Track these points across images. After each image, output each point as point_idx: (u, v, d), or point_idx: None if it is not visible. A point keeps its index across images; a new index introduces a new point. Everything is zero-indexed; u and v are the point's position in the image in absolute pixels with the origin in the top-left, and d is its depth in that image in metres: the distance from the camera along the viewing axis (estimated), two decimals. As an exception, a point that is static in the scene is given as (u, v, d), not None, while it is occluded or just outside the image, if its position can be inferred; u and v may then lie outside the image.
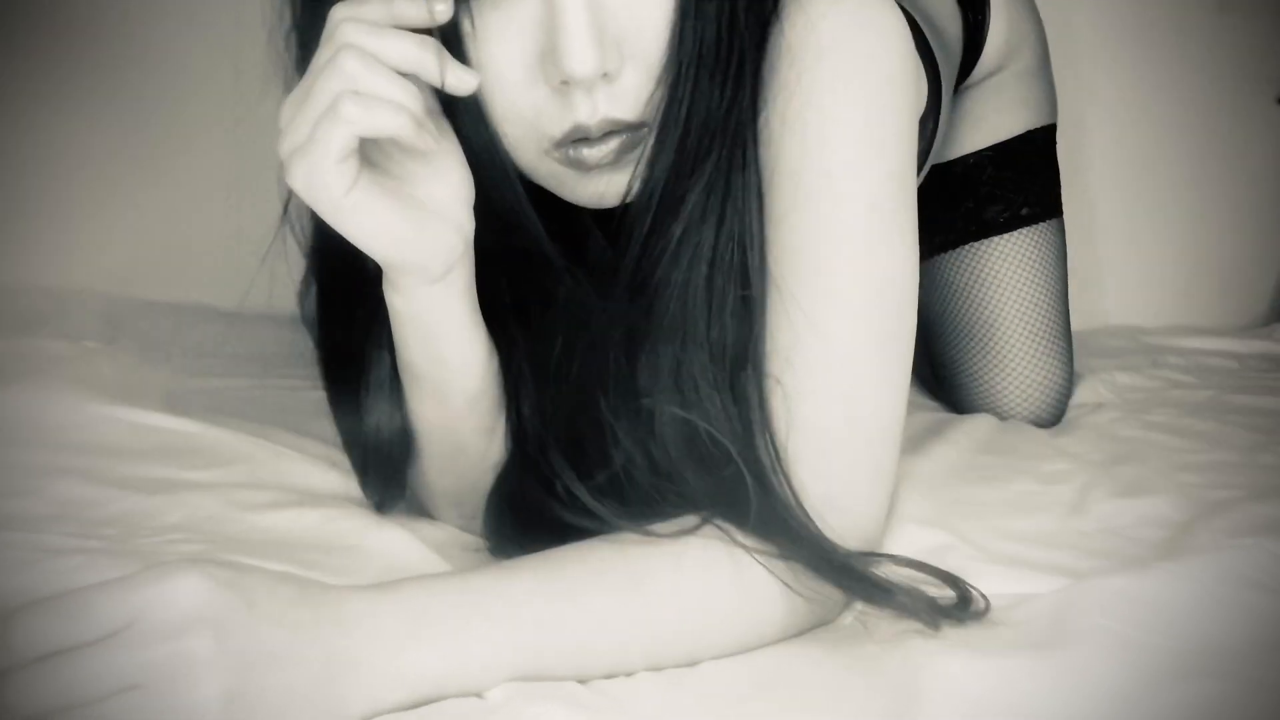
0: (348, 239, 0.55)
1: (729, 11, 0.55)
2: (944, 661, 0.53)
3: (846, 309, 0.57)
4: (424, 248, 0.56)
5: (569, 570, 0.52)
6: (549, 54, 0.53)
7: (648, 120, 0.56)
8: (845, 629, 0.61)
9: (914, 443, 0.97)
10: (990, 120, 1.10)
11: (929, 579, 0.59)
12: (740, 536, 0.54)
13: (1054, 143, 1.14)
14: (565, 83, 0.53)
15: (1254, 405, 1.14)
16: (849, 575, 0.55)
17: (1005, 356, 1.09)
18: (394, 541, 0.68)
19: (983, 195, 1.09)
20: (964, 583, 0.58)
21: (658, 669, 0.53)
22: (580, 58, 0.51)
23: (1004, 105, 1.10)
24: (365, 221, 0.54)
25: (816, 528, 0.55)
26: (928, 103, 0.87)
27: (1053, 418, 1.11)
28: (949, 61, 0.97)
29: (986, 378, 1.11)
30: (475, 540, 0.70)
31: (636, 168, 0.56)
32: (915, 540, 0.71)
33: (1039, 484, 0.86)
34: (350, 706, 0.45)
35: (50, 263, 1.29)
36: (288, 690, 0.43)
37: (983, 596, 0.58)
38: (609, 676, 0.52)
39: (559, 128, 0.56)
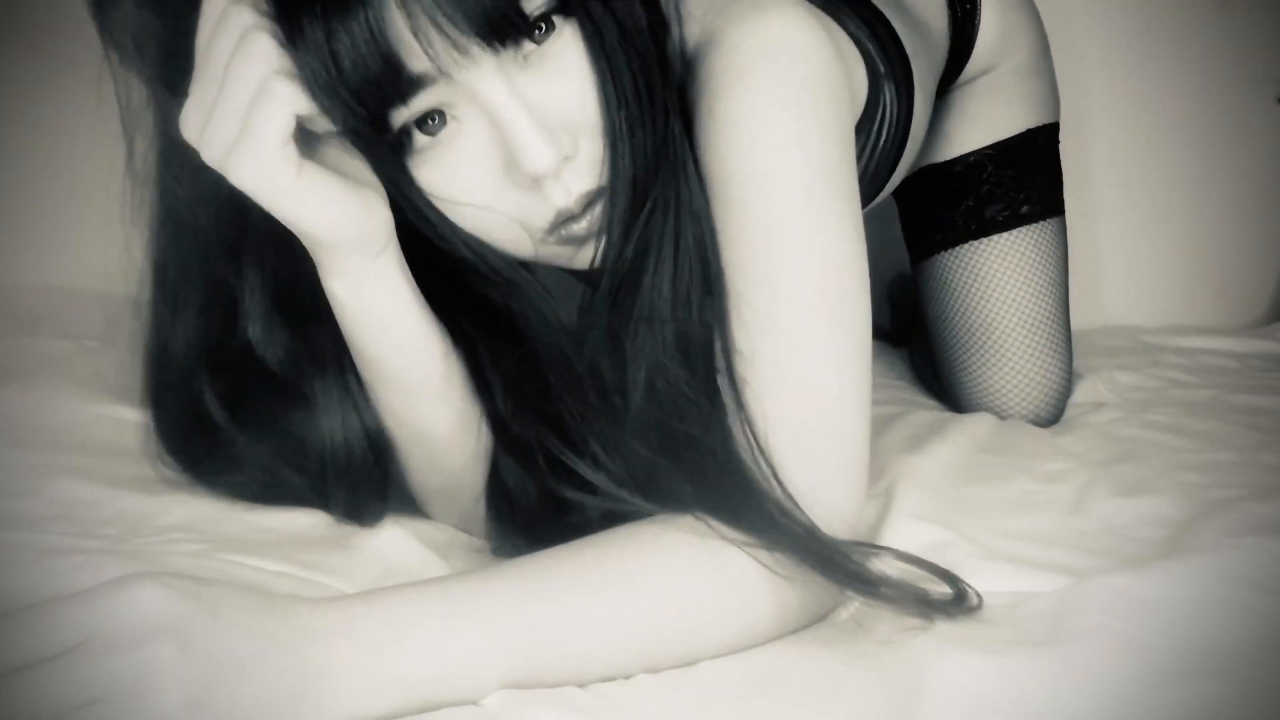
0: (297, 226, 0.54)
1: (641, 64, 0.58)
2: (944, 659, 0.53)
3: (794, 304, 0.59)
4: (368, 221, 0.56)
5: (557, 572, 0.52)
6: (511, 164, 0.56)
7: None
8: (844, 627, 0.61)
9: (914, 442, 0.97)
10: (989, 118, 1.10)
11: (925, 575, 0.59)
12: (728, 532, 0.53)
13: (1056, 141, 1.14)
14: (536, 180, 0.56)
15: (1254, 405, 1.14)
16: (833, 564, 0.55)
17: (1004, 355, 1.09)
18: (394, 542, 0.68)
19: (983, 194, 1.09)
20: (959, 579, 0.59)
21: (654, 671, 0.53)
22: (539, 158, 0.54)
23: (1003, 102, 1.10)
24: (315, 203, 0.53)
25: (801, 515, 0.55)
26: (896, 98, 0.87)
27: (1052, 416, 1.11)
28: (930, 57, 0.98)
29: (986, 376, 1.11)
30: (477, 541, 0.70)
31: (608, 223, 0.59)
32: (915, 536, 0.72)
33: (1039, 483, 0.86)
34: (329, 715, 0.44)
35: (50, 262, 1.29)
36: (258, 699, 0.42)
37: (976, 594, 0.59)
38: (605, 680, 0.52)
39: (545, 219, 0.58)
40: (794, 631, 0.59)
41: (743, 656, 0.57)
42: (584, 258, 0.61)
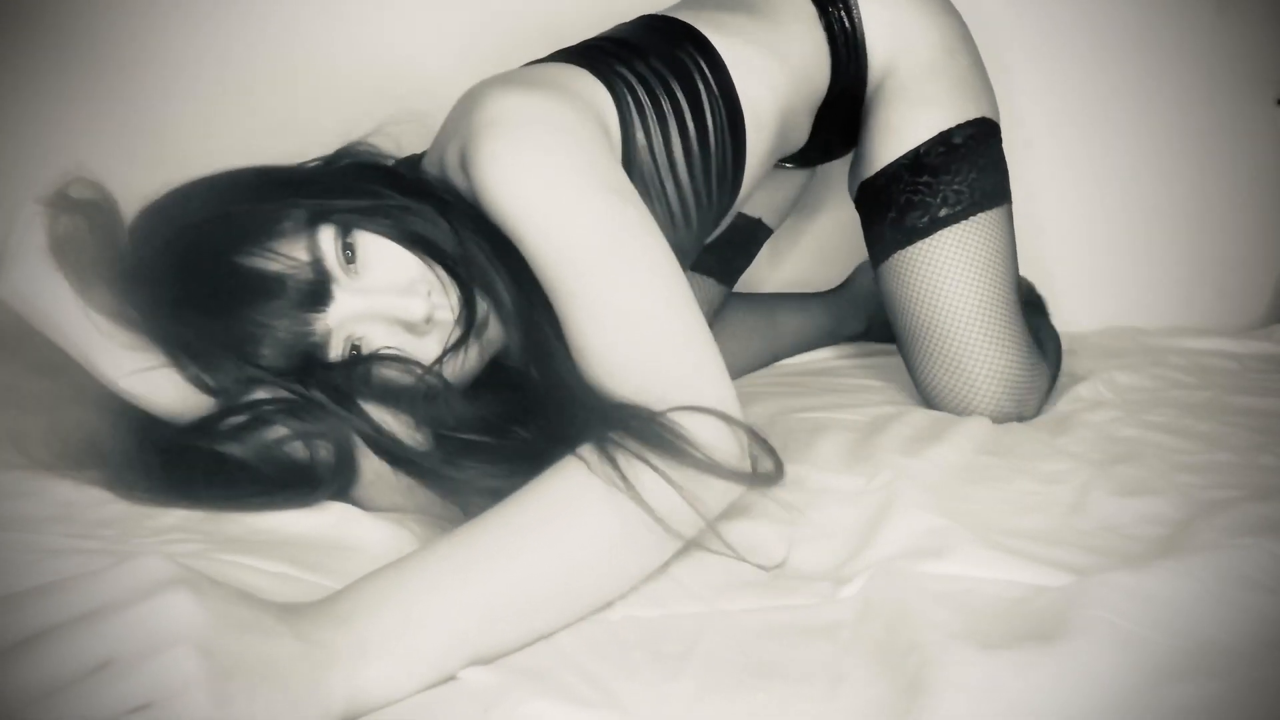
0: None
1: (430, 219, 0.77)
2: (946, 653, 0.53)
3: (585, 274, 0.73)
4: None
5: (498, 543, 0.57)
6: (406, 326, 0.74)
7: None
8: (847, 621, 0.61)
9: (913, 443, 0.97)
10: (901, 128, 1.12)
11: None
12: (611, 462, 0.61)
13: (981, 136, 1.13)
14: (427, 321, 0.74)
15: (1253, 406, 1.14)
16: (648, 430, 0.64)
17: (950, 354, 1.10)
18: (393, 541, 0.69)
19: (903, 204, 1.11)
20: (775, 452, 0.71)
21: (591, 612, 0.59)
22: (414, 309, 0.73)
23: (908, 108, 1.12)
24: None
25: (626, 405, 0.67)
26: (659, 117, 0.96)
27: (1017, 411, 1.11)
28: (797, 87, 1.08)
29: (935, 376, 1.12)
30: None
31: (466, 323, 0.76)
32: (915, 524, 0.72)
33: (1038, 484, 0.87)
34: (368, 697, 0.49)
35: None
36: (287, 692, 0.46)
37: (779, 465, 0.71)
38: (545, 635, 0.57)
39: (457, 336, 0.76)
40: (691, 537, 0.64)
41: (745, 646, 0.57)
42: (471, 360, 0.77)
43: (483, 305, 0.77)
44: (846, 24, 1.10)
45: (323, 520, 0.70)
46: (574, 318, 0.73)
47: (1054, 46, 1.61)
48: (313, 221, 0.73)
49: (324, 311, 0.72)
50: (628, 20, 1.08)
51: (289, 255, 0.71)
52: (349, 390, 0.71)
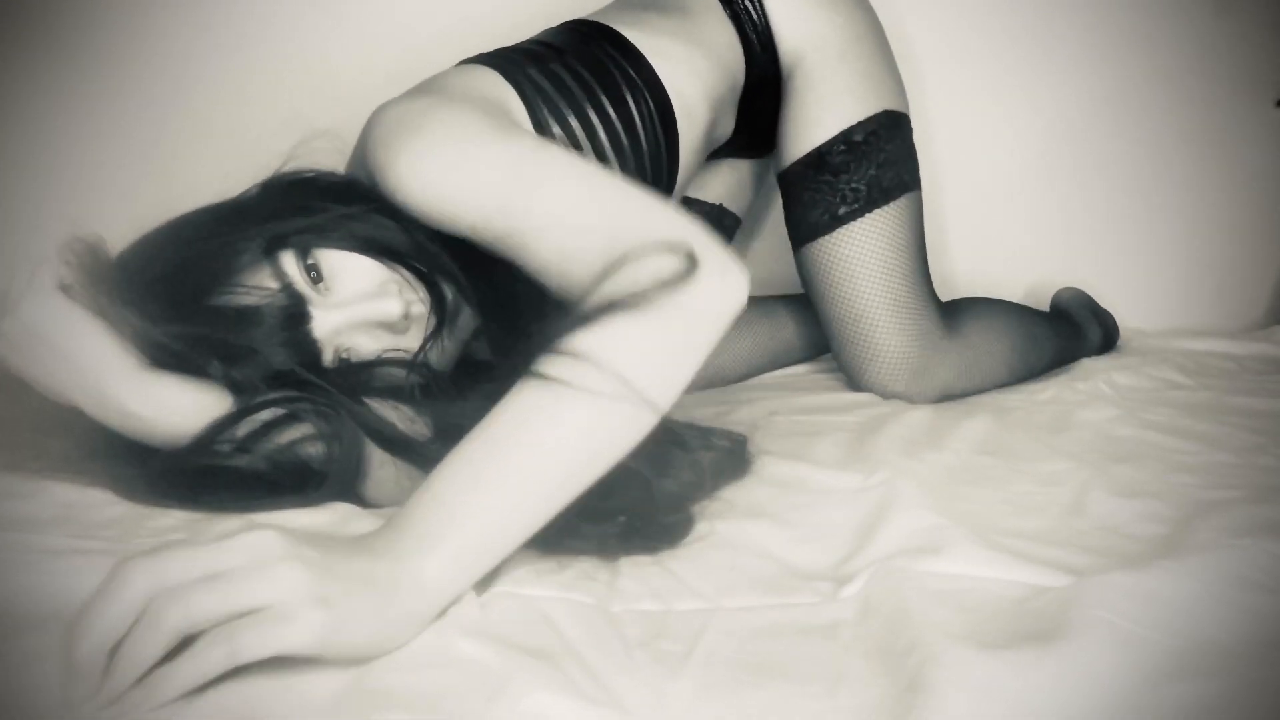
0: None
1: (376, 222, 0.80)
2: (946, 652, 0.53)
3: (529, 204, 0.75)
4: None
5: (492, 453, 0.61)
6: (389, 327, 0.79)
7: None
8: (847, 620, 0.61)
9: (911, 444, 0.97)
10: (810, 122, 1.18)
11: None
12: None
13: (887, 130, 1.18)
14: (406, 317, 0.79)
15: (1252, 407, 1.14)
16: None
17: (856, 337, 1.18)
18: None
19: (805, 200, 1.19)
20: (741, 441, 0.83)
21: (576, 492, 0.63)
22: (390, 309, 0.77)
23: (821, 101, 1.17)
24: None
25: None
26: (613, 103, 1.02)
27: (915, 392, 1.18)
28: (720, 75, 1.13)
29: (848, 357, 1.20)
30: None
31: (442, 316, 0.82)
32: (913, 522, 0.73)
33: (1037, 484, 0.87)
34: (409, 598, 0.55)
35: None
36: (367, 592, 0.53)
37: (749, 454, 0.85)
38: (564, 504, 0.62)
39: (433, 325, 0.81)
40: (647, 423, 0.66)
41: (745, 644, 0.57)
42: (450, 345, 0.83)
43: (448, 291, 0.81)
44: (754, 13, 1.15)
45: (323, 519, 0.70)
46: (529, 250, 0.75)
47: (1054, 47, 1.61)
48: (270, 250, 0.76)
49: (307, 330, 0.76)
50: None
51: (258, 285, 0.74)
52: (349, 390, 0.74)
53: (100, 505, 0.71)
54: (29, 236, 1.29)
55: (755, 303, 1.42)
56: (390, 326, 0.79)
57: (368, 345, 0.79)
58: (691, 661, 0.55)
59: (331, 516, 0.70)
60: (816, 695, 0.52)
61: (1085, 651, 0.53)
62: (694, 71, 1.09)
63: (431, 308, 0.81)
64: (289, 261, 0.76)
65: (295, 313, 0.75)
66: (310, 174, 0.86)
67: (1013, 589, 0.64)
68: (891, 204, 1.18)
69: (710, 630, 0.59)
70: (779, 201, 1.26)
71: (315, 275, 0.77)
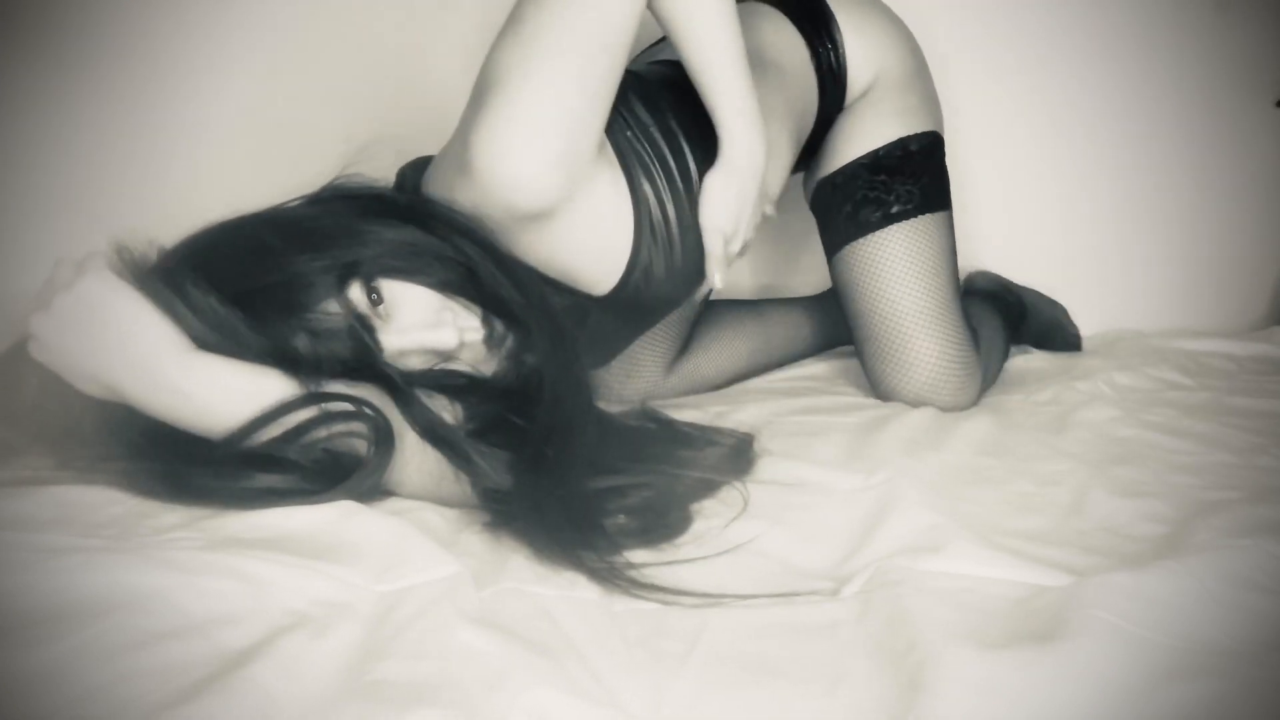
0: None
1: (438, 250, 0.83)
2: (945, 651, 0.53)
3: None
4: None
5: None
6: (446, 355, 0.83)
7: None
8: (847, 619, 0.61)
9: (911, 445, 0.97)
10: (867, 132, 1.21)
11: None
12: None
13: (933, 147, 1.22)
14: (462, 345, 0.82)
15: (1252, 407, 1.14)
16: None
17: (891, 340, 1.18)
18: (394, 534, 0.69)
19: (859, 199, 1.20)
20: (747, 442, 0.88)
21: None
22: (444, 339, 0.81)
23: (873, 117, 1.21)
24: None
25: None
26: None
27: (943, 399, 1.17)
28: (798, 139, 1.17)
29: (880, 362, 1.19)
30: (473, 517, 0.75)
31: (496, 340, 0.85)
32: (912, 521, 0.72)
33: (1037, 485, 0.87)
34: None
35: (50, 265, 1.29)
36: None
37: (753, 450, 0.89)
38: None
39: (485, 351, 0.84)
40: None
41: (745, 643, 0.57)
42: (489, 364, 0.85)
43: (499, 324, 0.84)
44: (833, 60, 1.18)
45: (324, 516, 0.70)
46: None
47: (1053, 47, 1.61)
48: (341, 283, 0.78)
49: (376, 352, 0.79)
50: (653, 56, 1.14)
51: (326, 312, 0.77)
52: (402, 384, 0.78)
53: (100, 505, 0.71)
54: (29, 238, 1.29)
55: (747, 306, 1.42)
56: (445, 355, 0.82)
57: (421, 364, 0.82)
58: (691, 660, 0.55)
59: (330, 514, 0.70)
60: (816, 694, 0.52)
61: (1085, 651, 0.53)
62: (784, 130, 1.11)
63: (486, 338, 0.83)
64: (356, 291, 0.79)
65: (363, 338, 0.78)
66: (372, 191, 0.88)
67: (1013, 589, 0.64)
68: (939, 213, 1.20)
69: (710, 629, 0.59)
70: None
71: (375, 299, 0.80)
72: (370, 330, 0.79)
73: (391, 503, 0.76)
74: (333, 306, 0.78)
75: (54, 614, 0.54)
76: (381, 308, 0.80)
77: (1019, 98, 1.62)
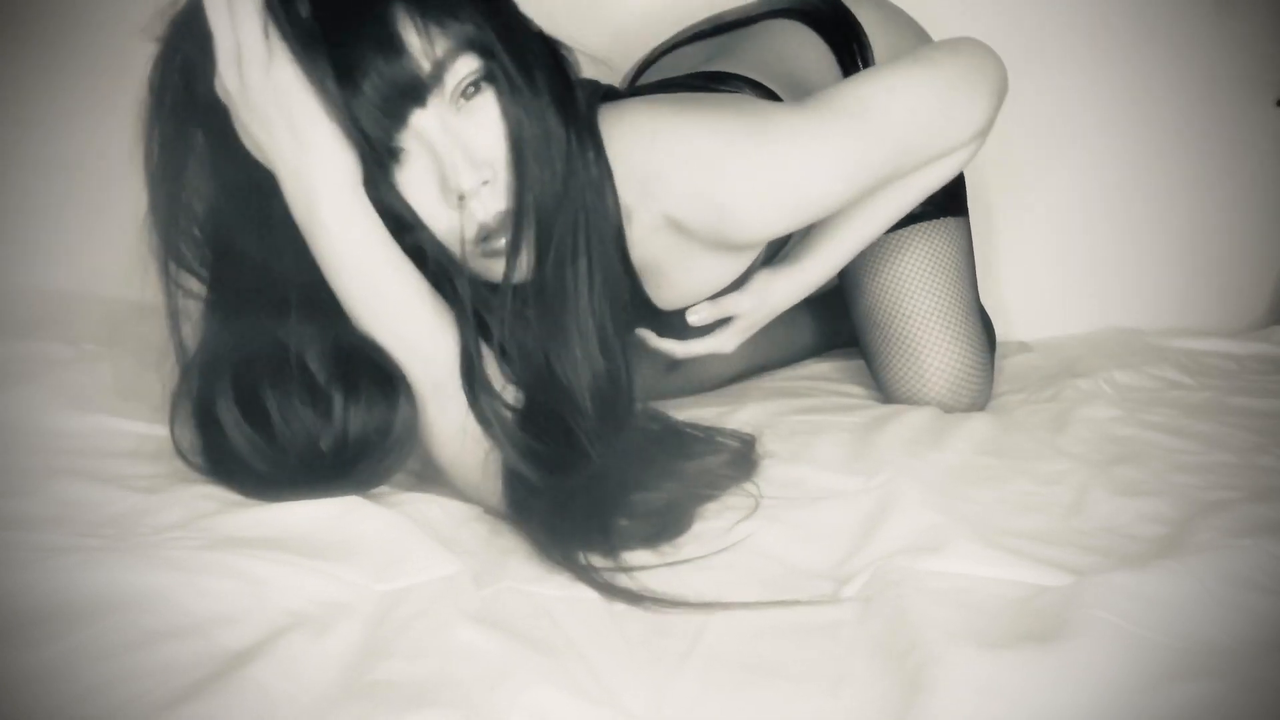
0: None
1: (545, 117, 0.77)
2: (947, 651, 0.53)
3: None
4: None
5: None
6: (444, 185, 0.74)
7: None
8: (847, 619, 0.61)
9: (911, 445, 0.97)
10: None
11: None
12: None
13: None
14: (461, 198, 0.74)
15: (1252, 407, 1.14)
16: None
17: (907, 342, 1.16)
18: (395, 531, 0.69)
19: None
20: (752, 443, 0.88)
21: None
22: (463, 177, 0.73)
23: None
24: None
25: None
26: None
27: (960, 401, 1.16)
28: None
29: (894, 364, 1.18)
30: (474, 513, 0.75)
31: (517, 240, 0.76)
32: (913, 522, 0.72)
33: (1037, 484, 0.87)
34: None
35: (50, 266, 1.29)
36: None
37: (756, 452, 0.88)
38: None
39: (471, 233, 0.76)
40: None
41: (746, 643, 0.57)
42: (498, 270, 0.77)
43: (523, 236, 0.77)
44: (852, 48, 1.18)
45: (324, 512, 0.70)
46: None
47: (1053, 47, 1.61)
48: (470, 44, 0.73)
49: (414, 106, 0.73)
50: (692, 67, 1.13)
51: (428, 43, 0.72)
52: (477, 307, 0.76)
53: (100, 504, 0.71)
54: (30, 239, 1.29)
55: None
56: (443, 187, 0.74)
57: (415, 186, 0.75)
58: (692, 660, 0.55)
59: (332, 510, 0.70)
60: (817, 694, 0.52)
61: (1085, 651, 0.53)
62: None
63: (514, 227, 0.76)
64: (468, 63, 0.74)
65: (421, 86, 0.72)
66: (571, 62, 0.84)
67: (1013, 589, 0.64)
68: (958, 217, 1.20)
69: (711, 629, 0.59)
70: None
71: (469, 92, 0.74)
72: (435, 85, 0.72)
73: (392, 495, 0.76)
74: (437, 49, 0.72)
75: (54, 613, 0.54)
76: (461, 101, 0.74)
77: (1018, 97, 1.62)
